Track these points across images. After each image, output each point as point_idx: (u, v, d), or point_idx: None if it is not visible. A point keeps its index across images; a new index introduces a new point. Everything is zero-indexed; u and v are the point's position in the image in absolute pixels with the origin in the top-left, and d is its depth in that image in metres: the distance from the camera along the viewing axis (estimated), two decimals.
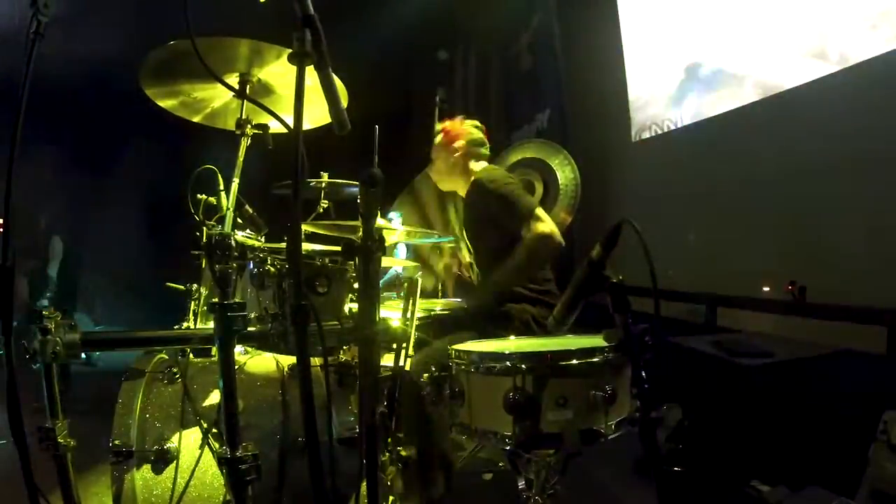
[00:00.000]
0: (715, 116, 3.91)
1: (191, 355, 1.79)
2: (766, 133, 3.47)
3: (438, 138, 2.57)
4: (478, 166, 2.51)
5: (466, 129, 2.54)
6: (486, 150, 2.56)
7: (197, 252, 1.69)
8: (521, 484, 1.50)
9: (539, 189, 2.89)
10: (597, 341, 1.31)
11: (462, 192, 2.55)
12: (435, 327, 2.29)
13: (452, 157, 2.51)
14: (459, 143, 2.51)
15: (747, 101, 3.61)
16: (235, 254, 1.34)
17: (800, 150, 3.22)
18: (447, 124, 2.57)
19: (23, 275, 4.86)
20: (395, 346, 1.67)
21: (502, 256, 2.26)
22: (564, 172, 2.89)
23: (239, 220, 1.94)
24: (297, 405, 1.69)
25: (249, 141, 1.70)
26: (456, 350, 1.40)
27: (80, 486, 1.37)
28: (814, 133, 3.14)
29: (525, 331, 2.17)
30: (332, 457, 1.54)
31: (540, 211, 2.21)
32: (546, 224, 2.17)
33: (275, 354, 1.89)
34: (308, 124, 1.69)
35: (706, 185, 3.94)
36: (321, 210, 2.37)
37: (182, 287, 2.15)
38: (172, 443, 1.53)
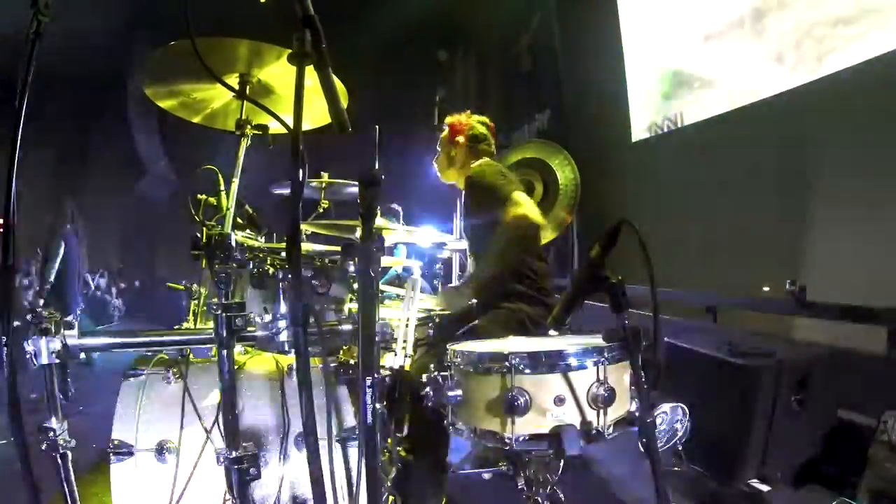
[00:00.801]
0: (714, 116, 3.91)
1: (191, 355, 1.79)
2: (766, 133, 3.47)
3: (444, 132, 2.58)
4: (477, 162, 2.51)
5: (471, 123, 2.54)
6: (488, 146, 2.56)
7: (197, 252, 1.69)
8: (521, 484, 1.50)
9: (539, 189, 2.89)
10: (596, 341, 1.31)
11: (460, 185, 2.56)
12: (434, 327, 2.28)
13: (453, 151, 2.52)
14: (461, 138, 2.51)
15: (747, 101, 3.61)
16: (235, 254, 1.34)
17: (800, 149, 3.22)
18: (454, 118, 2.57)
19: (23, 274, 4.86)
20: (394, 346, 1.68)
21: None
22: (564, 172, 2.89)
23: (239, 220, 1.94)
24: (296, 405, 1.69)
25: (249, 141, 1.70)
26: (455, 350, 1.41)
27: (80, 486, 1.37)
28: (814, 132, 3.14)
29: (521, 330, 2.16)
30: (331, 457, 1.55)
31: (518, 195, 2.17)
32: (521, 206, 2.13)
33: (274, 354, 1.89)
34: (308, 124, 1.70)
35: (706, 185, 3.94)
36: (321, 210, 2.38)
37: (182, 287, 2.15)
38: (172, 442, 1.53)
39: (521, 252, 2.26)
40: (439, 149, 2.60)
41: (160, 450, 1.51)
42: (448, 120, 2.59)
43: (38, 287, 4.93)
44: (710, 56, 3.96)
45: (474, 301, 2.19)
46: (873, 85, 2.80)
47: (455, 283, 3.85)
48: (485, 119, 2.60)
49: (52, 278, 4.78)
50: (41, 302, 4.71)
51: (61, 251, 4.95)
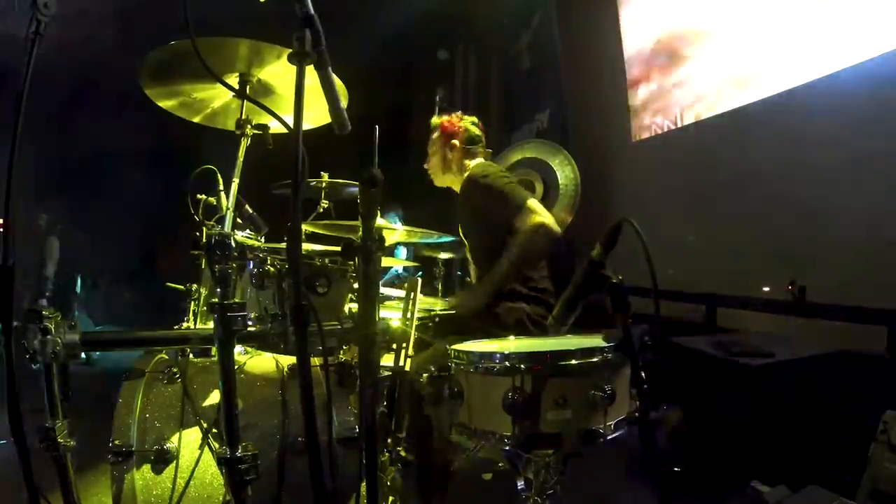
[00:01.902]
0: (715, 116, 3.91)
1: (191, 355, 1.79)
2: (766, 133, 3.47)
3: (436, 134, 2.55)
4: (473, 163, 2.49)
5: (464, 125, 2.52)
6: (482, 148, 2.55)
7: (197, 252, 1.70)
8: (521, 484, 1.51)
9: (539, 189, 2.89)
10: (596, 341, 1.31)
11: (457, 188, 2.54)
12: (434, 328, 2.28)
13: (450, 154, 2.50)
14: (456, 141, 2.49)
15: (748, 100, 3.61)
16: (235, 254, 1.34)
17: (799, 149, 3.22)
18: (444, 120, 2.55)
19: (22, 275, 4.86)
20: (394, 346, 1.67)
21: (497, 253, 2.25)
22: (564, 172, 2.89)
23: (238, 220, 1.94)
24: (296, 405, 1.69)
25: (249, 141, 1.70)
26: (455, 350, 1.40)
27: (80, 486, 1.36)
28: (814, 133, 3.14)
29: (521, 330, 2.16)
30: (332, 457, 1.54)
31: (533, 202, 2.18)
32: (539, 215, 2.14)
33: (274, 354, 1.89)
34: (308, 124, 1.70)
35: (706, 185, 3.94)
36: (321, 210, 2.37)
37: (182, 287, 2.15)
38: (172, 443, 1.53)
39: (538, 260, 2.27)
40: (431, 151, 2.58)
41: (160, 450, 1.51)
42: (437, 121, 2.57)
43: (41, 287, 4.93)
44: (711, 54, 3.96)
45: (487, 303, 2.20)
46: (872, 85, 2.79)
47: (457, 284, 3.85)
48: (475, 119, 2.59)
49: (53, 277, 4.78)
50: (45, 301, 4.71)
51: (56, 252, 4.94)
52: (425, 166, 2.62)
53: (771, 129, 3.43)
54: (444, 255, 3.41)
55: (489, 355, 1.34)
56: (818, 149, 3.09)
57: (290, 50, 1.05)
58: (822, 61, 3.06)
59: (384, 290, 2.77)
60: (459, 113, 2.60)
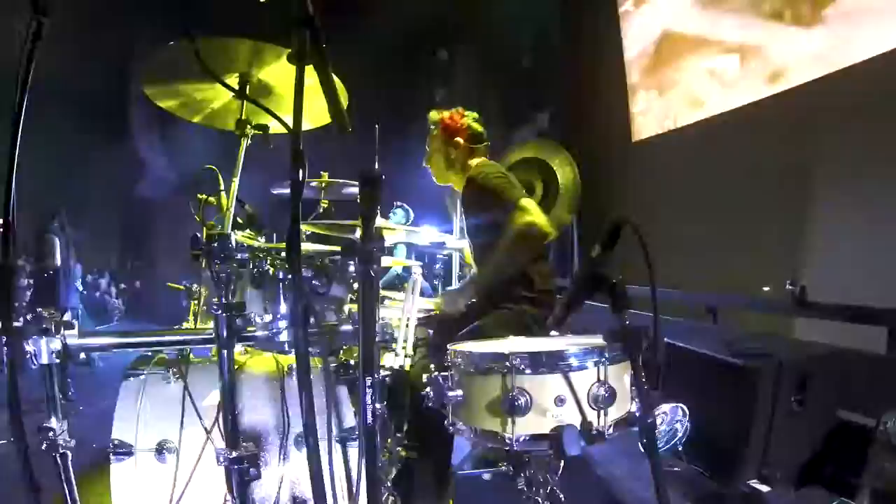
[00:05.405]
0: (714, 116, 3.91)
1: (191, 355, 1.79)
2: (766, 132, 3.47)
3: (436, 130, 2.49)
4: (475, 162, 2.47)
5: (467, 122, 2.47)
6: (484, 145, 2.51)
7: (197, 252, 1.70)
8: (521, 484, 1.50)
9: (539, 189, 2.89)
10: (597, 341, 1.31)
11: (458, 186, 2.50)
12: (436, 327, 2.28)
13: (454, 152, 2.46)
14: (460, 139, 2.45)
15: (749, 100, 3.61)
16: (235, 254, 1.34)
17: (800, 149, 3.22)
18: (445, 116, 2.50)
19: (23, 275, 4.85)
20: (394, 346, 1.68)
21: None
22: (564, 172, 2.89)
23: (239, 220, 1.94)
24: (296, 404, 1.69)
25: (250, 141, 1.70)
26: (456, 350, 1.41)
27: (80, 486, 1.37)
28: (814, 132, 3.14)
29: (524, 331, 2.15)
30: (331, 457, 1.54)
31: (526, 201, 2.13)
32: (530, 214, 2.09)
33: (275, 354, 1.89)
34: (308, 124, 1.70)
35: (706, 185, 3.94)
36: (321, 210, 2.37)
37: (182, 287, 2.15)
38: (172, 442, 1.53)
39: (527, 259, 2.23)
40: (433, 148, 2.50)
41: (160, 450, 1.51)
42: (436, 117, 2.49)
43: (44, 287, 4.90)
44: (713, 53, 3.96)
45: (472, 301, 2.19)
46: (873, 84, 2.80)
47: (456, 283, 3.85)
48: (476, 115, 2.51)
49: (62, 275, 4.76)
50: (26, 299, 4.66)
51: (56, 250, 4.92)
52: (425, 164, 2.57)
53: (771, 129, 3.44)
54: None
55: (490, 355, 1.34)
56: (818, 148, 3.10)
57: (290, 50, 1.05)
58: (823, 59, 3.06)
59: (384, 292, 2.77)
60: (460, 109, 2.55)
